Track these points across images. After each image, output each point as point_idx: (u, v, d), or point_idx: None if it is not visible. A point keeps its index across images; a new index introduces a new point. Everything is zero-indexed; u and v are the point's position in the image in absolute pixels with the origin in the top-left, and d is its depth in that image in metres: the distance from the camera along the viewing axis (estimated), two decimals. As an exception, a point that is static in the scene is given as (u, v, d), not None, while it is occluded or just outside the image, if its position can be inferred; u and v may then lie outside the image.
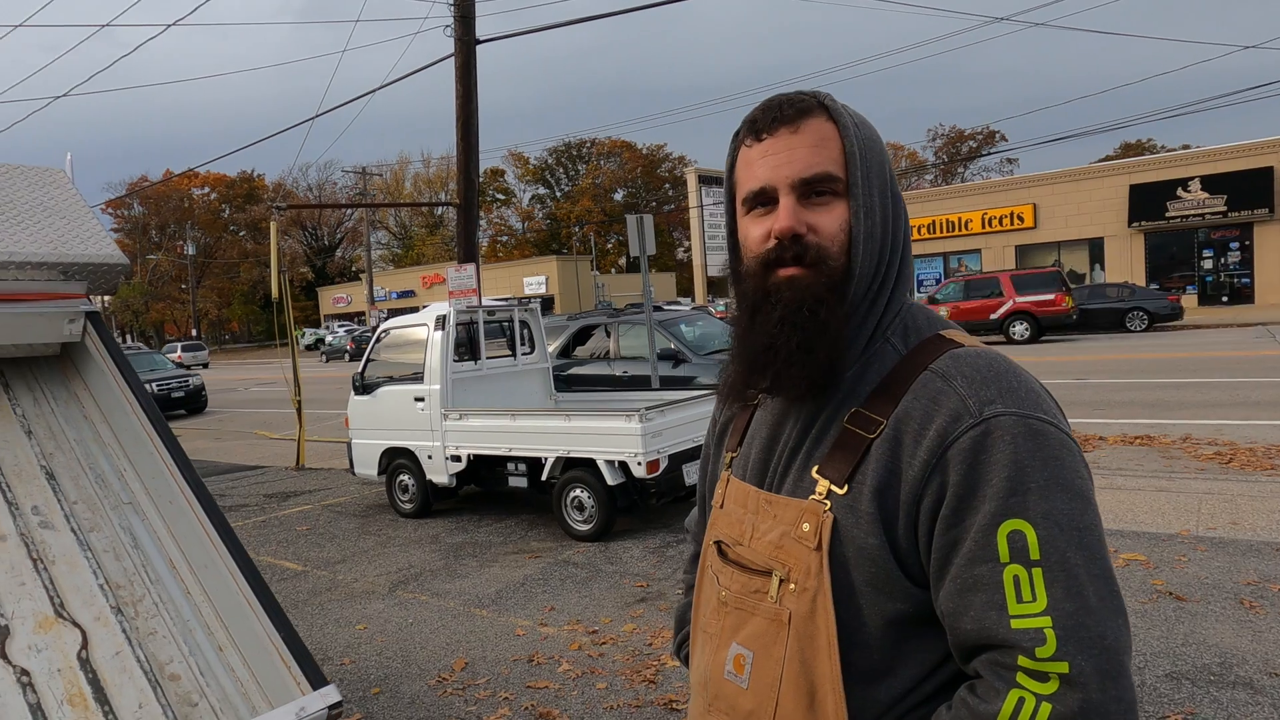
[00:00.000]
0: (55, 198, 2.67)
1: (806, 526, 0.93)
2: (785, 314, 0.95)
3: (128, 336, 64.91)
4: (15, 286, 2.45)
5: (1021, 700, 0.80)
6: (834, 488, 0.92)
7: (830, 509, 0.92)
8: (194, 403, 18.84)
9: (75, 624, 2.14)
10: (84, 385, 2.70)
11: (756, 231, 0.98)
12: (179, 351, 42.14)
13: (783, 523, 0.96)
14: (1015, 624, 0.81)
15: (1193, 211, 26.09)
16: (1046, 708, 0.78)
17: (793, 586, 0.94)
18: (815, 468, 0.95)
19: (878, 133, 1.01)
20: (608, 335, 10.95)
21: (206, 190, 66.33)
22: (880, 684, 0.91)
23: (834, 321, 0.93)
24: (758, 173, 0.97)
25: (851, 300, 0.95)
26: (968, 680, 0.87)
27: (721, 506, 1.10)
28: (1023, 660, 0.80)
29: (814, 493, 0.94)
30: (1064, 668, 0.78)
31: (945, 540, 0.86)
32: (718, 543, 1.07)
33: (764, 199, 0.97)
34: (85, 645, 2.11)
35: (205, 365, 41.43)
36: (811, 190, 0.95)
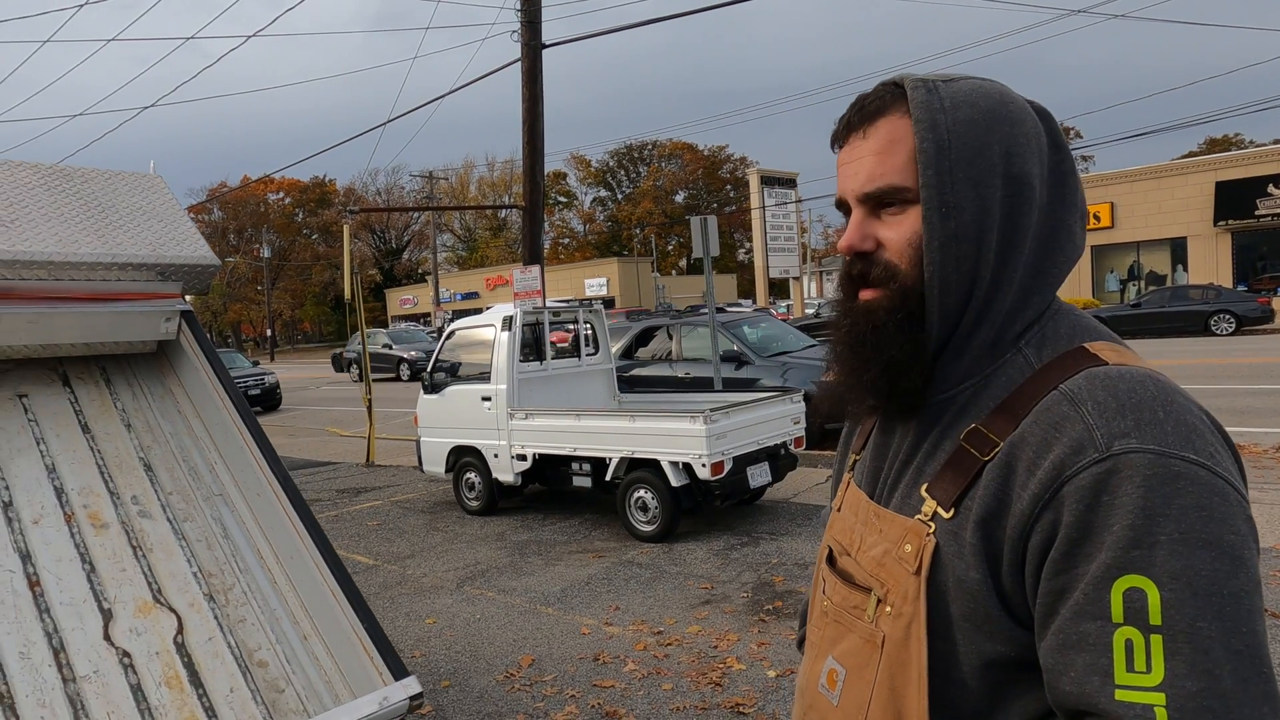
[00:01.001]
0: (153, 202, 2.80)
1: (908, 548, 0.87)
2: (846, 337, 0.93)
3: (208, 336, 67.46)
4: (117, 286, 2.58)
5: None
6: (940, 510, 0.85)
7: (934, 532, 0.85)
8: (269, 400, 19.51)
9: (171, 609, 2.24)
10: (178, 381, 2.82)
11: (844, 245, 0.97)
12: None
13: (887, 539, 0.91)
14: (1120, 695, 0.70)
15: (1285, 209, 24.77)
16: None
17: (889, 609, 0.88)
18: (925, 485, 0.88)
19: (992, 108, 0.88)
20: (670, 337, 10.95)
21: (281, 195, 68.69)
22: None
23: (888, 344, 0.88)
24: (839, 183, 0.95)
25: (943, 312, 0.88)
26: None
27: (839, 510, 1.06)
28: None
29: (920, 512, 0.88)
30: None
31: (1052, 586, 0.76)
32: (830, 548, 1.04)
33: (846, 210, 0.94)
34: (181, 630, 2.20)
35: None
36: (880, 203, 0.89)
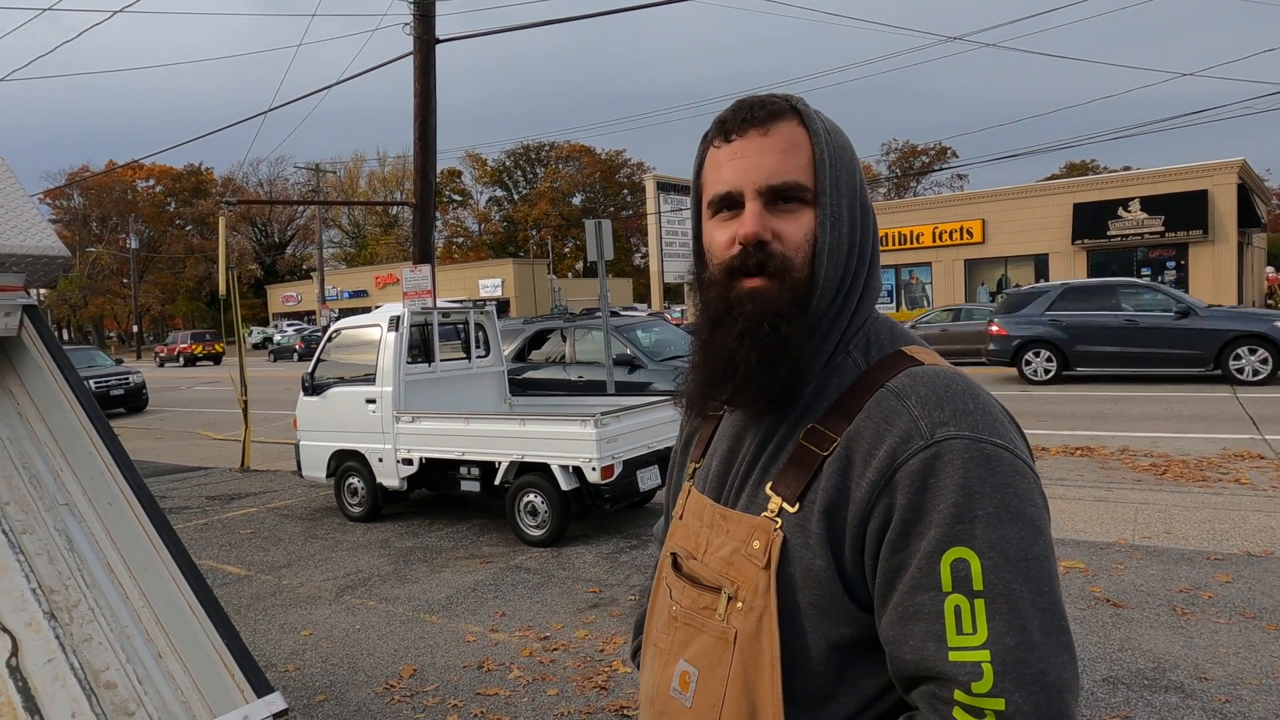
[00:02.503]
0: (-8, 186, 2.56)
1: (757, 544, 0.91)
2: (746, 327, 0.91)
3: (64, 331, 62.68)
4: (-53, 277, 2.35)
5: None
6: (786, 505, 0.90)
7: (780, 527, 0.89)
8: (134, 400, 18.26)
9: (5, 630, 2.05)
10: (19, 381, 2.60)
11: (721, 236, 0.95)
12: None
13: (735, 539, 0.94)
14: (953, 656, 0.78)
15: (1132, 231, 27.05)
16: None
17: (740, 605, 0.91)
18: (769, 484, 0.93)
19: (849, 141, 0.98)
20: (564, 340, 10.91)
21: (151, 183, 64.41)
22: (822, 710, 0.88)
23: (795, 336, 0.91)
24: (725, 175, 0.94)
25: (814, 313, 0.93)
26: (908, 711, 0.84)
27: (681, 518, 1.07)
28: (959, 694, 0.77)
29: (766, 510, 0.91)
30: (1000, 704, 0.75)
31: (889, 565, 0.83)
32: (674, 555, 1.05)
33: (730, 203, 0.94)
34: (15, 652, 2.02)
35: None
36: (779, 197, 0.92)
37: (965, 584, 0.78)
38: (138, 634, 2.18)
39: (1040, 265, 29.35)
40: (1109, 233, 27.43)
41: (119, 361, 21.34)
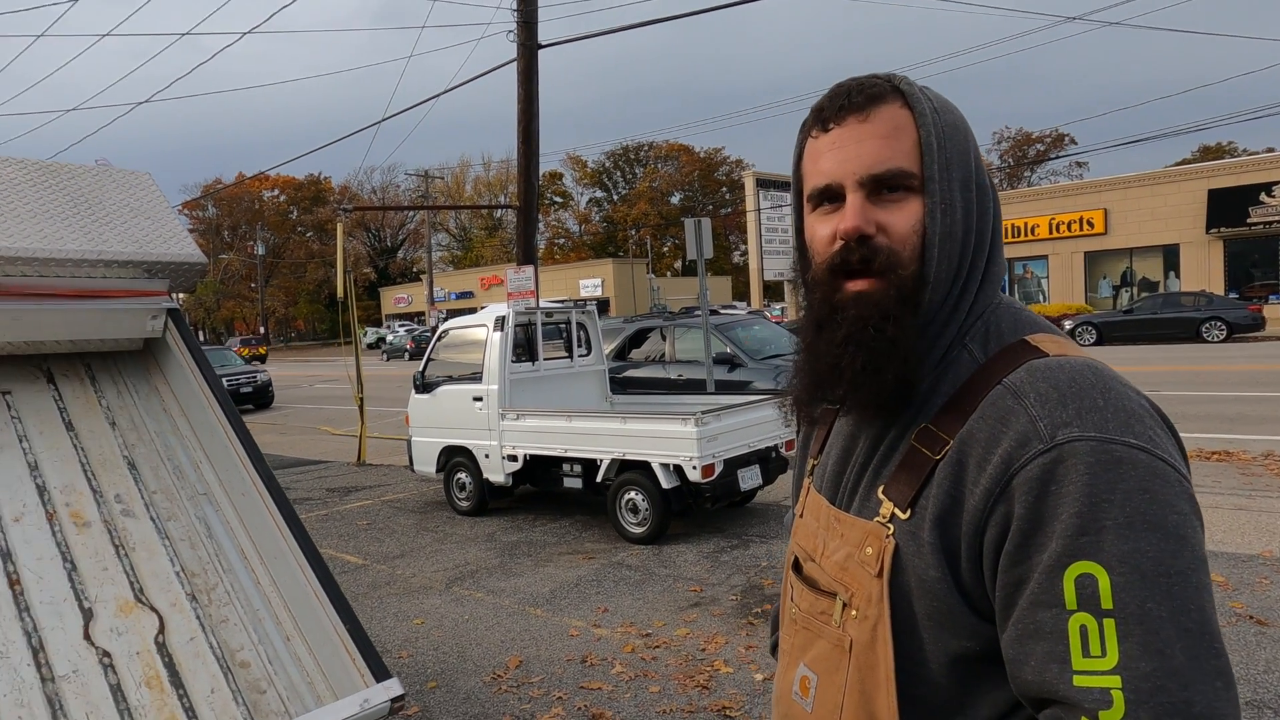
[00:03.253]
0: (140, 199, 2.78)
1: (869, 551, 0.88)
2: (851, 332, 0.87)
3: (200, 333, 67.41)
4: (103, 284, 2.56)
5: None
6: (898, 511, 0.86)
7: (893, 534, 0.86)
8: (261, 398, 19.44)
9: (153, 609, 2.23)
10: (164, 379, 2.81)
11: (823, 231, 0.90)
12: (238, 345, 42.51)
13: (849, 543, 0.91)
14: (1078, 680, 0.72)
15: (1276, 218, 24.91)
16: None
17: (854, 613, 0.89)
18: (881, 487, 0.89)
19: (963, 118, 0.91)
20: (663, 338, 10.95)
21: (276, 192, 68.50)
22: None
23: (904, 337, 0.86)
24: (824, 167, 0.89)
25: (928, 308, 0.87)
26: None
27: (801, 516, 1.06)
28: None
29: (878, 515, 0.88)
30: None
31: (1009, 579, 0.78)
32: (795, 556, 1.04)
33: (831, 195, 0.89)
34: (162, 630, 2.19)
35: (262, 359, 41.34)
36: (882, 186, 0.86)
37: (1092, 602, 0.72)
38: (268, 617, 2.32)
39: (1170, 256, 27.45)
40: (1249, 220, 25.35)
41: (248, 360, 22.77)
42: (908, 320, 0.86)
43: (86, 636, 2.10)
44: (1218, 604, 4.31)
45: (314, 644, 2.22)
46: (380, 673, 2.01)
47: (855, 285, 0.88)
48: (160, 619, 2.21)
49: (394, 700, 1.94)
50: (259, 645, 2.26)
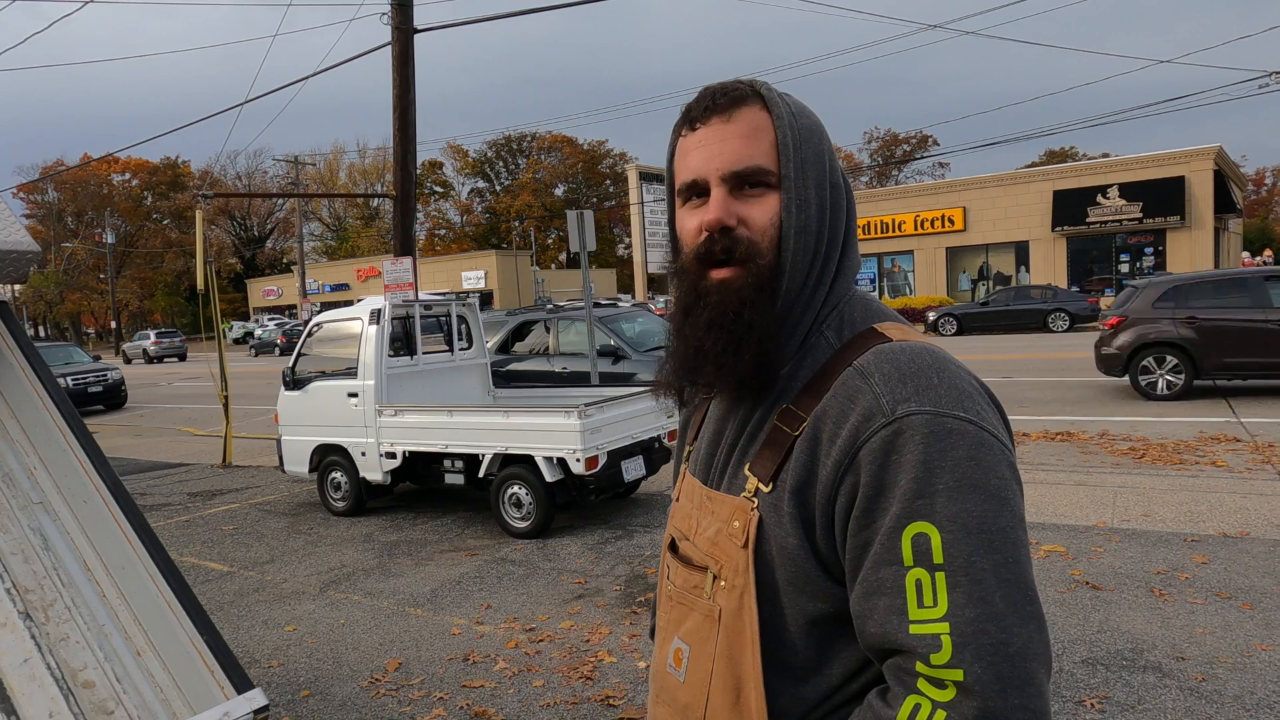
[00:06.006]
0: (-41, 180, 2.52)
1: (736, 524, 0.94)
2: (713, 316, 0.94)
3: (40, 328, 61.83)
4: (-87, 273, 2.30)
5: (918, 706, 0.78)
6: (761, 486, 0.92)
7: (757, 507, 0.92)
8: (113, 398, 18.06)
9: (-21, 630, 2.03)
10: (-10, 379, 2.55)
11: (690, 223, 0.97)
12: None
13: (719, 519, 0.97)
14: (914, 629, 0.79)
15: (1111, 217, 27.29)
16: (942, 715, 0.77)
17: (723, 583, 0.94)
18: (748, 464, 0.95)
19: (818, 121, 0.99)
20: (547, 331, 10.88)
21: (128, 176, 63.51)
22: (807, 682, 0.91)
23: (761, 321, 0.92)
24: (691, 163, 0.96)
25: (785, 296, 0.94)
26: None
27: (677, 500, 1.11)
28: (920, 666, 0.78)
29: (744, 490, 0.94)
30: (959, 675, 0.76)
31: (856, 542, 0.85)
32: (671, 537, 1.09)
33: (698, 190, 0.96)
34: (-10, 653, 2.00)
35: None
36: (744, 182, 0.93)
37: (926, 558, 0.79)
38: (115, 632, 2.16)
39: (1021, 252, 29.57)
40: (1088, 219, 27.66)
41: (97, 358, 21.08)
42: (765, 306, 0.93)
43: (-103, 665, 1.89)
44: (1060, 572, 4.69)
45: (168, 658, 2.09)
46: (242, 684, 1.91)
47: (719, 274, 0.95)
48: (-12, 641, 2.02)
49: (257, 712, 1.85)
50: (105, 663, 2.10)
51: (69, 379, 16.92)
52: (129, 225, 60.71)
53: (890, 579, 0.81)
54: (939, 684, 0.78)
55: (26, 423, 2.45)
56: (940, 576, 0.79)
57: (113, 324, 52.47)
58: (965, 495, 0.80)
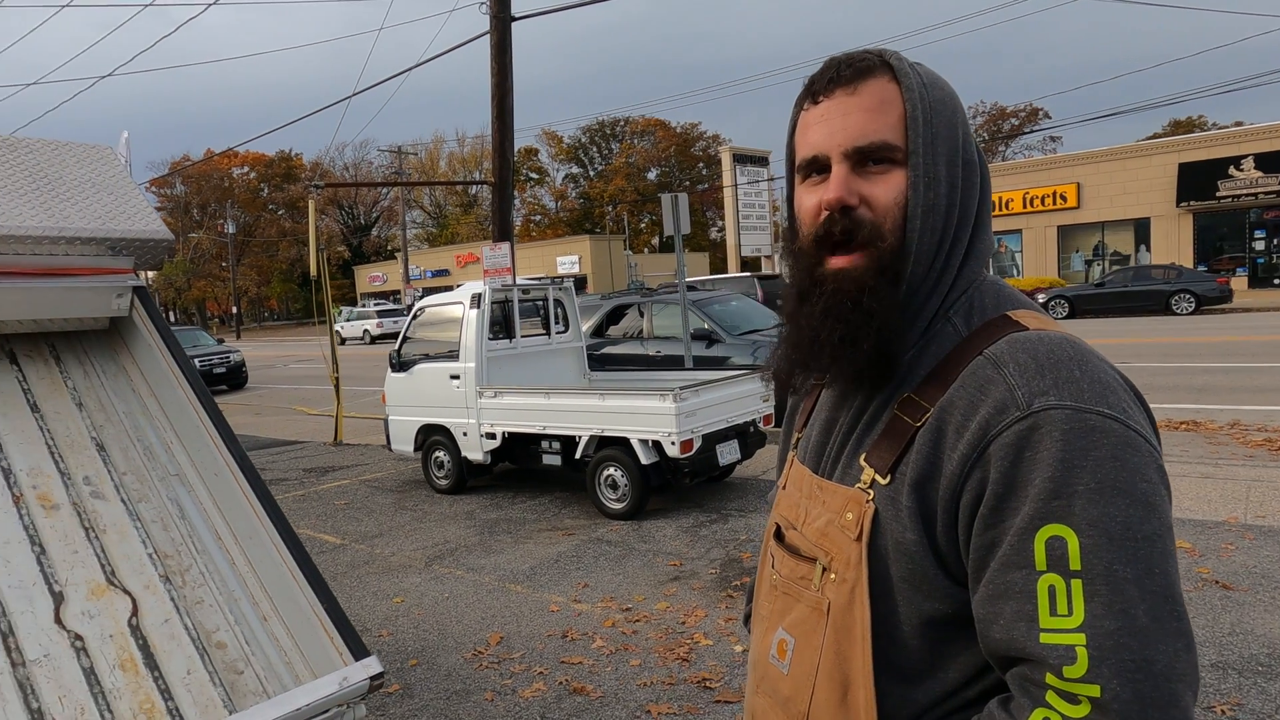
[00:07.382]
0: (103, 174, 2.71)
1: (849, 516, 0.90)
2: (829, 304, 0.89)
3: (170, 313, 66.30)
4: (66, 261, 2.50)
5: None
6: (878, 477, 0.88)
7: (872, 499, 0.88)
8: (235, 378, 19.22)
9: (126, 591, 2.19)
10: (131, 359, 2.75)
11: (809, 202, 0.93)
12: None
13: (830, 510, 0.94)
14: (1044, 638, 0.74)
15: (1245, 191, 25.26)
16: None
17: (833, 576, 0.91)
18: (863, 455, 0.91)
19: (953, 93, 0.93)
20: (641, 315, 10.93)
21: (246, 169, 67.21)
22: (919, 684, 0.87)
23: (881, 309, 0.87)
24: (812, 138, 0.91)
25: (910, 280, 0.89)
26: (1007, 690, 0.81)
27: (784, 487, 1.08)
28: (1050, 678, 0.74)
29: (859, 481, 0.91)
30: (1095, 691, 0.71)
31: (982, 541, 0.80)
32: (777, 524, 1.06)
33: (818, 167, 0.91)
34: (135, 612, 2.16)
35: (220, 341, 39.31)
36: (867, 159, 0.88)
37: (1061, 563, 0.74)
38: (244, 598, 2.30)
39: (1141, 230, 27.78)
40: (1218, 194, 25.70)
41: (220, 341, 22.47)
42: (886, 292, 0.88)
43: (57, 620, 2.07)
44: (1186, 570, 4.40)
45: (291, 624, 2.21)
46: (359, 651, 2.00)
47: (837, 262, 0.91)
48: (134, 601, 2.18)
49: (373, 678, 1.93)
50: (235, 626, 2.24)
51: (197, 360, 18.10)
52: (247, 216, 64.25)
53: (1019, 583, 0.76)
54: (1071, 698, 0.73)
55: (164, 400, 2.63)
56: (1077, 584, 0.74)
57: (234, 309, 55.72)
58: (1108, 498, 0.74)
